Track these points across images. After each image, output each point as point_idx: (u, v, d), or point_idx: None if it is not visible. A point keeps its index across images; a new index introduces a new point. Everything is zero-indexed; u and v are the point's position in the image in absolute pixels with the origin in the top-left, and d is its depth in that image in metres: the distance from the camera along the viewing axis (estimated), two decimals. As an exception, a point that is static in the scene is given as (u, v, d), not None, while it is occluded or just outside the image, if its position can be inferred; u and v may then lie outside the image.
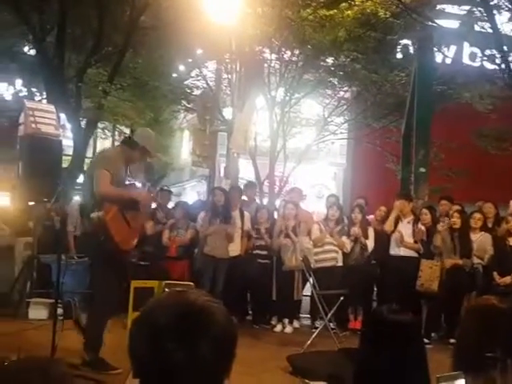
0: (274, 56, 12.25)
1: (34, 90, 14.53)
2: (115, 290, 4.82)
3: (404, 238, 7.13)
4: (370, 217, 8.01)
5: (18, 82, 15.67)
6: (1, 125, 16.14)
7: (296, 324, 7.35)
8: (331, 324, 6.57)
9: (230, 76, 13.17)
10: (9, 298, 6.86)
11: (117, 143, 20.98)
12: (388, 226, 7.28)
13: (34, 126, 7.53)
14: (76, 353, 4.84)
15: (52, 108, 8.12)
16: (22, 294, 6.91)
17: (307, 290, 7.51)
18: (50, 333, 4.82)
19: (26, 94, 15.02)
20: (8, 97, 16.02)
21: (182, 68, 15.18)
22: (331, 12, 10.87)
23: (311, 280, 6.86)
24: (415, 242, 7.16)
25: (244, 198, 8.29)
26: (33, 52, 13.38)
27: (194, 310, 1.13)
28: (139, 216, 4.84)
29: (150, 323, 1.12)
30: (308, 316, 7.77)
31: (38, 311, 6.71)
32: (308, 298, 7.59)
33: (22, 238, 7.60)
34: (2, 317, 6.40)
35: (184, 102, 14.62)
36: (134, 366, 1.14)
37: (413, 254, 7.17)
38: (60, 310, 5.66)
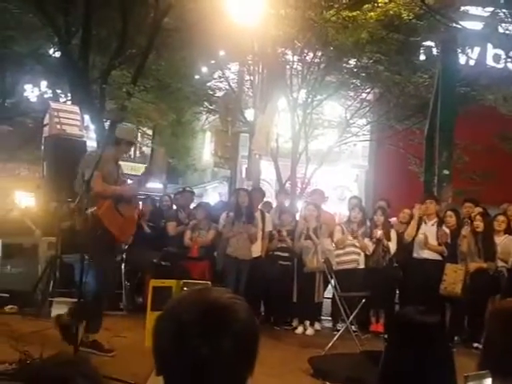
0: (296, 58, 12.25)
1: (58, 91, 14.74)
2: (112, 277, 5.37)
3: (428, 240, 7.06)
4: (393, 219, 7.94)
5: (43, 84, 15.90)
6: (26, 126, 16.41)
7: (317, 326, 7.31)
8: (353, 326, 6.52)
9: (252, 78, 13.21)
10: (32, 296, 6.94)
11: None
12: (409, 232, 7.21)
13: (58, 126, 7.64)
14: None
15: (76, 109, 8.23)
16: (45, 293, 6.99)
17: (328, 292, 7.48)
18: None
19: (51, 95, 15.24)
20: (33, 98, 16.25)
21: (204, 70, 15.27)
22: (354, 13, 10.83)
23: (333, 282, 6.82)
24: (439, 244, 7.08)
25: (270, 201, 8.33)
26: (58, 54, 13.56)
27: (217, 306, 1.14)
28: (132, 208, 5.23)
29: (174, 320, 1.13)
30: (329, 318, 7.73)
31: (60, 310, 6.75)
32: (329, 300, 7.54)
33: (45, 237, 7.68)
34: (25, 315, 6.48)
35: (206, 104, 14.70)
36: (158, 362, 1.15)
37: (436, 256, 7.09)
38: (82, 309, 5.70)
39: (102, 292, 5.13)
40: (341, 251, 7.37)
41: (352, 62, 12.38)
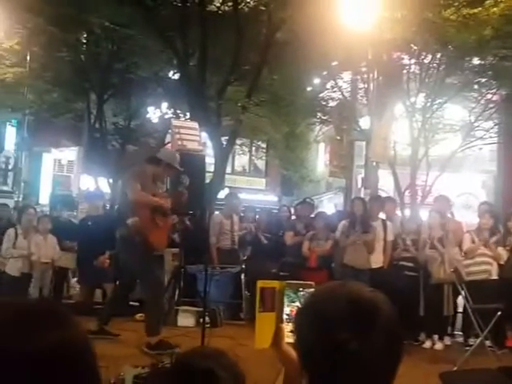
0: (413, 61, 11.83)
1: (178, 111, 15.42)
2: (158, 277, 5.68)
3: None
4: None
5: (164, 105, 16.74)
6: (149, 145, 17.36)
7: (447, 341, 6.89)
8: (487, 341, 6.05)
9: (366, 85, 12.96)
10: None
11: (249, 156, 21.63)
12: None
13: (179, 142, 7.92)
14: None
15: (195, 125, 8.50)
16: (171, 302, 7.23)
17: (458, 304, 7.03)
18: (198, 340, 4.97)
19: (171, 115, 16.00)
20: (155, 119, 17.16)
21: (316, 81, 15.23)
22: (475, 10, 10.22)
23: (463, 293, 6.38)
24: None
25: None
26: (176, 76, 14.24)
27: (363, 299, 1.10)
28: (168, 220, 5.70)
29: (318, 314, 1.10)
30: (460, 333, 7.26)
31: (186, 319, 6.99)
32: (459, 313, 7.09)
33: (169, 248, 7.98)
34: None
35: (319, 115, 14.63)
36: (302, 359, 1.12)
37: None
38: (206, 318, 5.85)
39: (156, 296, 5.53)
40: (470, 261, 6.91)
41: (475, 60, 11.71)
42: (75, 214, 10.85)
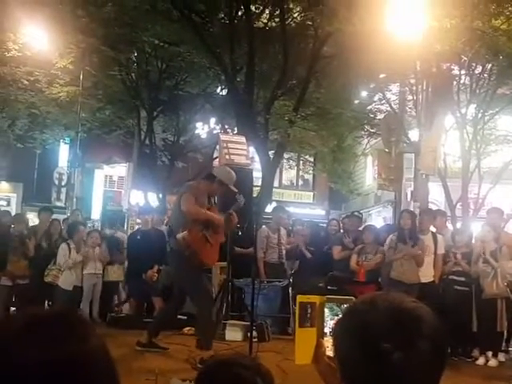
0: (463, 71, 11.61)
1: (226, 126, 15.62)
2: (208, 291, 5.75)
3: None
4: None
5: (212, 121, 16.97)
6: (197, 161, 17.61)
7: (501, 357, 6.65)
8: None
9: (415, 97, 12.78)
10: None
11: (300, 172, 21.64)
12: None
13: (227, 157, 8.01)
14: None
15: (243, 139, 8.58)
16: (218, 315, 7.25)
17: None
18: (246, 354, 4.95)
19: (219, 131, 16.21)
20: (203, 135, 17.40)
21: (364, 94, 15.13)
22: (527, 18, 9.96)
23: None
24: None
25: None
26: (224, 92, 14.43)
27: (405, 309, 1.07)
28: (219, 236, 5.63)
29: (362, 323, 1.07)
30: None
31: (233, 333, 6.98)
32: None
33: (217, 262, 8.03)
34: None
35: (367, 127, 14.50)
36: (343, 370, 1.09)
37: None
38: (254, 333, 5.84)
39: (206, 310, 5.53)
40: (525, 276, 6.67)
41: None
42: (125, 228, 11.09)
